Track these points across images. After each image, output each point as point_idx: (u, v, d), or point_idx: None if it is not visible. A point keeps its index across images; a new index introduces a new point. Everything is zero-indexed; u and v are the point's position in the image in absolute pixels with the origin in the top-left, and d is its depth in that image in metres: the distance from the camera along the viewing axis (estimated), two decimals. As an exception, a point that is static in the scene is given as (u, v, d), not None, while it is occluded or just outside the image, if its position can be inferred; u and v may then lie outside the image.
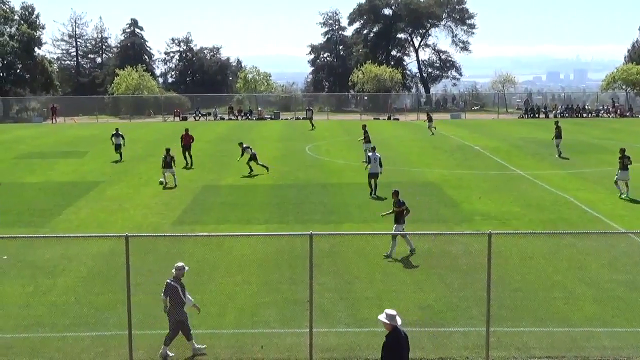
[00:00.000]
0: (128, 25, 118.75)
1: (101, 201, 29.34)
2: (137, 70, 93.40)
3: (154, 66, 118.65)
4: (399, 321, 10.82)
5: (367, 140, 40.64)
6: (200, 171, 37.10)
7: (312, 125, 64.23)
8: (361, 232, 21.75)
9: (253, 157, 36.28)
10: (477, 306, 15.91)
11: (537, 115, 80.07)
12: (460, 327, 15.14)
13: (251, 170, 35.86)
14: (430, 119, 59.38)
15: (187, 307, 13.87)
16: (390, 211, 20.78)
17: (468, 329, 14.95)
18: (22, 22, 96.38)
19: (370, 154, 30.52)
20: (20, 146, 50.55)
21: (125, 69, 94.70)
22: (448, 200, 28.81)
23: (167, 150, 33.51)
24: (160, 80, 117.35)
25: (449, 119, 77.74)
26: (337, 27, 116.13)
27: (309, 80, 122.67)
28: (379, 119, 79.35)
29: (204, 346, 14.03)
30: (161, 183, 32.70)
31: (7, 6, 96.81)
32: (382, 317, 10.84)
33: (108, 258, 19.89)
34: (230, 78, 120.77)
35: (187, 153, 39.57)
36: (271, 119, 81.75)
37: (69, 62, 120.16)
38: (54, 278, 18.64)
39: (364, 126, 43.54)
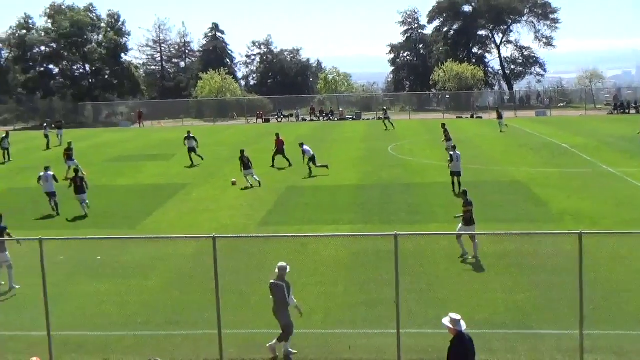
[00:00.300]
0: (210, 30, 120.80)
1: (188, 203, 29.94)
2: (219, 74, 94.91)
3: (235, 69, 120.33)
4: (463, 326, 10.74)
5: (447, 138, 40.99)
6: (284, 172, 37.43)
7: (387, 125, 63.66)
8: (447, 232, 21.53)
9: (312, 159, 36.39)
10: (569, 308, 15.48)
11: (627, 111, 77.52)
12: (552, 329, 14.81)
13: (310, 171, 36.01)
14: (500, 117, 58.84)
15: (290, 308, 13.96)
16: (461, 214, 20.53)
17: (560, 332, 14.61)
18: (109, 29, 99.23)
19: (451, 152, 30.68)
20: (110, 150, 51.98)
21: (208, 72, 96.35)
22: (536, 199, 28.25)
23: (242, 151, 34.17)
24: (242, 83, 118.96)
25: (534, 116, 76.23)
26: (416, 25, 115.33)
27: (389, 79, 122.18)
28: (461, 117, 78.36)
29: (295, 352, 14.06)
30: (234, 183, 33.64)
31: (94, 14, 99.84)
32: (446, 321, 10.82)
33: (197, 258, 20.25)
34: (311, 79, 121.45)
35: (283, 156, 39.86)
36: (352, 119, 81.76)
37: (154, 67, 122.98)
38: (146, 278, 19.13)
39: (444, 125, 43.52)
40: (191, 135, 42.73)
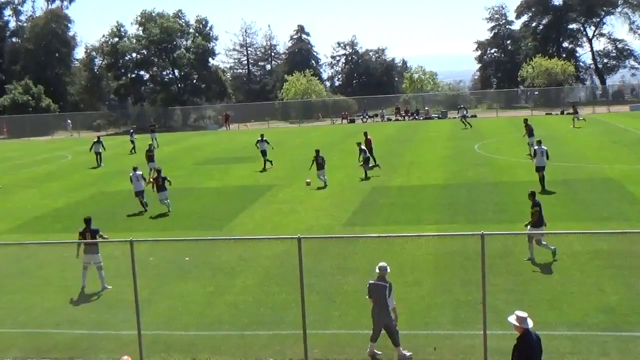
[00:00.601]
0: (295, 32, 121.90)
1: (274, 204, 30.22)
2: (305, 75, 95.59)
3: (321, 70, 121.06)
4: (529, 323, 10.56)
5: (530, 134, 40.32)
6: (369, 172, 37.29)
7: (466, 124, 62.83)
8: (535, 231, 21.01)
9: (366, 160, 36.24)
10: (665, 309, 14.96)
11: None
12: (647, 331, 14.30)
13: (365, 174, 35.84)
14: (576, 111, 58.57)
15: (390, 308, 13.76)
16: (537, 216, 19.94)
17: (656, 334, 14.08)
18: (197, 34, 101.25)
19: (536, 147, 30.66)
20: (198, 153, 53.01)
21: (293, 74, 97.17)
22: (630, 197, 27.28)
23: (317, 151, 34.68)
24: (328, 84, 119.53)
25: (629, 111, 73.76)
26: (503, 21, 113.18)
27: (476, 77, 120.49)
28: (550, 114, 76.52)
29: (409, 353, 13.83)
30: (308, 184, 33.91)
31: (183, 20, 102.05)
32: (512, 319, 10.66)
33: (282, 259, 20.40)
34: (396, 79, 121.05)
35: (370, 155, 39.46)
36: (438, 118, 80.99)
37: (240, 71, 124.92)
38: (233, 278, 19.40)
39: (526, 120, 42.89)
40: (264, 138, 42.44)
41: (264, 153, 41.89)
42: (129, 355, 12.14)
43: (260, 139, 42.66)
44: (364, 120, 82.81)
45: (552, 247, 19.44)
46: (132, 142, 56.44)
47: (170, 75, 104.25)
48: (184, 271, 20.28)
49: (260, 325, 15.84)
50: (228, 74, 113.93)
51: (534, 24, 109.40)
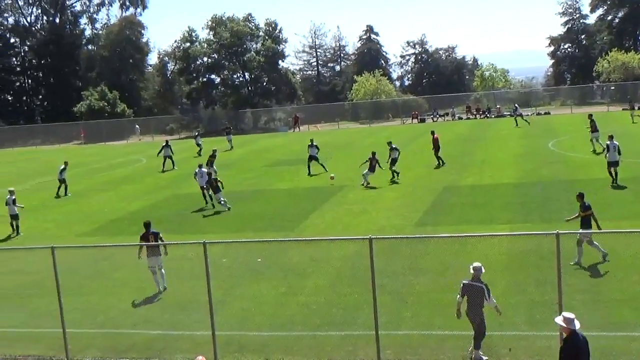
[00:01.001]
0: (364, 32, 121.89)
1: (345, 205, 30.22)
2: (374, 76, 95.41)
3: (390, 70, 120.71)
4: (577, 325, 10.34)
5: (593, 129, 40.08)
6: (440, 172, 37.04)
7: (519, 122, 62.07)
8: (611, 230, 20.49)
9: (392, 161, 36.18)
10: None
11: None
12: None
13: (393, 175, 35.76)
14: (633, 107, 58.34)
15: (489, 307, 13.58)
16: (576, 215, 19.59)
17: None
18: (266, 37, 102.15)
19: (608, 142, 30.35)
20: (269, 155, 53.43)
21: (362, 75, 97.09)
22: None
23: (374, 154, 35.19)
24: (397, 83, 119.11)
25: None
26: (577, 15, 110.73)
27: (549, 73, 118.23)
28: (627, 109, 74.38)
29: (486, 358, 13.67)
30: (332, 178, 35.91)
31: (253, 24, 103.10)
32: (559, 320, 10.44)
33: (353, 260, 20.39)
34: (467, 77, 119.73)
35: (435, 154, 39.82)
36: (510, 115, 79.63)
37: (310, 72, 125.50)
38: (304, 279, 19.48)
39: (590, 115, 42.51)
40: (314, 143, 41.34)
41: (312, 158, 40.63)
42: (203, 355, 12.29)
43: (310, 144, 41.37)
44: (435, 119, 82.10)
45: (604, 250, 18.92)
46: (199, 145, 57.79)
47: (241, 79, 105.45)
48: (257, 272, 20.47)
49: (332, 325, 15.86)
50: (298, 75, 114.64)
51: (609, 17, 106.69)
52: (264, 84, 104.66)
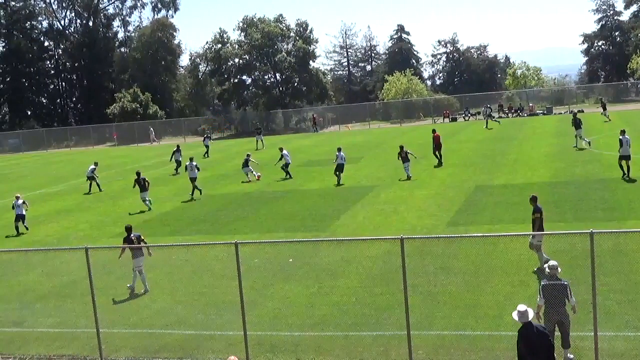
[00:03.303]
0: (395, 32, 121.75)
1: (376, 205, 30.14)
2: (405, 75, 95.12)
3: (421, 69, 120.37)
4: (530, 316, 11.18)
5: (577, 126, 43.00)
6: (472, 171, 36.80)
7: (490, 124, 63.99)
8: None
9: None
10: None
11: None
12: None
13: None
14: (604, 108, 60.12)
15: (569, 307, 13.16)
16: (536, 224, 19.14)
17: None
18: (297, 38, 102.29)
19: (621, 137, 31.34)
20: (300, 155, 53.44)
21: (393, 74, 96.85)
22: None
23: (401, 147, 36.92)
24: (429, 82, 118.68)
25: None
26: (611, 12, 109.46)
27: (582, 71, 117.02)
28: (663, 106, 73.41)
29: (572, 356, 13.32)
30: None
31: (284, 25, 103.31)
32: (514, 314, 11.36)
33: (385, 260, 20.34)
34: (499, 75, 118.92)
35: (437, 152, 40.91)
36: (543, 114, 78.98)
37: (341, 72, 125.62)
38: (336, 279, 19.46)
39: (574, 113, 46.05)
40: (341, 152, 38.64)
41: (339, 167, 38.24)
42: (235, 355, 12.34)
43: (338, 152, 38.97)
44: (466, 118, 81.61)
45: (546, 257, 18.62)
46: (207, 146, 59.44)
47: (272, 79, 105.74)
48: (288, 272, 20.49)
49: (363, 326, 15.83)
50: (328, 76, 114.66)
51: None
52: (295, 84, 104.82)
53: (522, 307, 11.31)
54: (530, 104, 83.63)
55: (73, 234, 29.51)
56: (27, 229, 31.27)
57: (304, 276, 20.03)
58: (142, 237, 20.64)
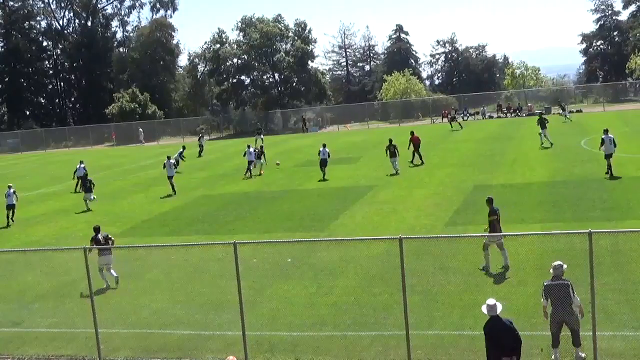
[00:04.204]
0: (393, 32, 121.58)
1: (375, 204, 30.15)
2: (404, 75, 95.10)
3: (420, 69, 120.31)
4: (498, 309, 11.59)
5: (542, 126, 45.51)
6: (471, 171, 36.82)
7: (454, 126, 65.35)
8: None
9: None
10: None
11: None
12: None
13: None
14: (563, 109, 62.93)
15: (574, 306, 13.09)
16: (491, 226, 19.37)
17: None
18: (296, 38, 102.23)
19: (604, 135, 32.52)
20: (298, 155, 53.49)
21: (392, 74, 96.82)
22: None
23: (390, 140, 38.66)
24: (427, 82, 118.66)
25: None
26: (610, 12, 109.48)
27: (581, 71, 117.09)
28: (661, 106, 73.39)
29: (584, 355, 13.31)
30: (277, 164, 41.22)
31: (282, 24, 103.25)
32: (483, 308, 11.73)
33: (383, 260, 20.33)
34: (497, 75, 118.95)
35: (416, 153, 41.64)
36: (542, 114, 78.90)
37: (339, 72, 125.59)
38: (334, 279, 19.46)
39: (541, 113, 46.93)
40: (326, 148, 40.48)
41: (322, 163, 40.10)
42: (234, 355, 12.35)
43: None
44: (465, 118, 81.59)
45: (488, 266, 19.00)
46: (201, 145, 60.76)
47: (271, 79, 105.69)
48: (287, 272, 20.50)
49: (362, 326, 15.83)
50: (327, 76, 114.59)
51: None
52: (294, 84, 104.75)
53: (491, 301, 11.62)
54: (529, 104, 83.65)
55: (71, 234, 29.50)
56: (13, 220, 33.06)
57: (303, 276, 20.03)
58: (110, 236, 21.31)
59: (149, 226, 29.98)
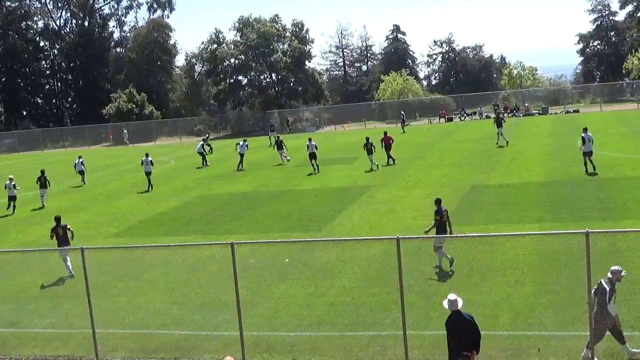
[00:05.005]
0: (391, 32, 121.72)
1: (372, 205, 30.15)
2: (401, 75, 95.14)
3: (417, 69, 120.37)
4: (459, 305, 11.73)
5: (498, 124, 47.39)
6: (468, 171, 36.84)
7: (405, 130, 66.50)
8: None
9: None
10: None
11: None
12: None
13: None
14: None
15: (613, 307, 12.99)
16: (434, 224, 19.59)
17: None
18: (293, 38, 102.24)
19: (583, 134, 33.29)
20: (296, 155, 53.36)
21: (389, 74, 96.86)
22: None
23: (367, 138, 40.93)
24: (424, 82, 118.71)
25: None
26: (607, 12, 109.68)
27: (578, 71, 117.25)
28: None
29: (635, 350, 13.17)
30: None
31: (279, 25, 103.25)
32: (445, 302, 11.94)
33: (381, 260, 20.34)
34: (495, 75, 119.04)
35: (388, 153, 42.86)
36: (539, 114, 79.11)
37: (337, 72, 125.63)
38: (332, 279, 19.45)
39: (497, 109, 45.66)
40: (313, 141, 43.17)
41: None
42: (231, 355, 12.34)
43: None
44: (462, 118, 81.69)
45: (450, 257, 19.17)
46: (205, 151, 60.26)
47: (268, 79, 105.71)
48: (284, 273, 20.49)
49: (360, 326, 15.83)
50: (324, 76, 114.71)
51: (639, 14, 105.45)
52: (291, 84, 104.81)
53: (452, 296, 11.83)
54: (526, 104, 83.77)
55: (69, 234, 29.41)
56: (14, 210, 35.70)
57: (300, 276, 20.03)
58: (69, 227, 22.71)
59: (146, 226, 29.96)
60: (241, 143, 47.93)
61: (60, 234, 22.19)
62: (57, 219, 22.53)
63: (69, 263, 21.71)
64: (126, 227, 30.20)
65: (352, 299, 17.69)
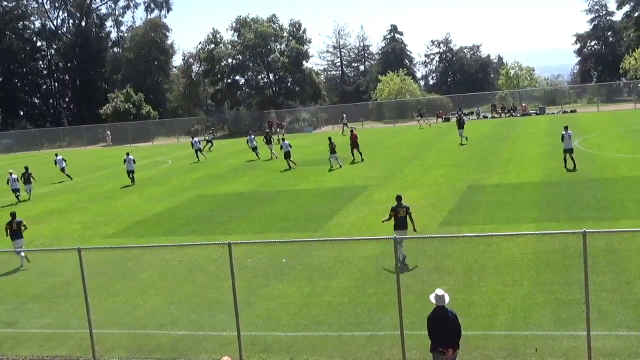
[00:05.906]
0: (388, 32, 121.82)
1: (369, 205, 30.13)
2: (398, 75, 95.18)
3: (414, 69, 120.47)
4: (446, 300, 11.83)
5: (459, 126, 51.71)
6: (465, 171, 36.85)
7: (345, 131, 68.26)
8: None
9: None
10: None
11: None
12: None
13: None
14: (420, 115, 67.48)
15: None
16: (388, 217, 20.25)
17: None
18: (290, 38, 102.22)
19: (563, 132, 35.03)
20: (293, 155, 53.32)
21: (387, 74, 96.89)
22: None
23: (330, 138, 43.75)
24: (422, 83, 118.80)
25: None
26: (604, 12, 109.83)
27: (575, 71, 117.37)
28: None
29: None
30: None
31: (277, 24, 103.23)
32: (431, 297, 11.97)
33: (378, 260, 20.33)
34: (492, 75, 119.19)
35: (355, 150, 45.34)
36: (536, 114, 79.18)
37: (334, 72, 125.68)
38: (329, 279, 19.45)
39: (459, 114, 48.75)
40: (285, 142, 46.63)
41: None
42: (229, 355, 12.32)
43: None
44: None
45: (402, 255, 19.45)
46: (211, 141, 63.54)
47: (265, 79, 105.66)
48: (281, 273, 20.47)
49: (357, 326, 15.82)
50: (322, 76, 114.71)
51: (636, 14, 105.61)
52: (288, 84, 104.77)
53: (440, 291, 11.91)
54: (523, 104, 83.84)
55: (66, 235, 29.44)
56: (18, 201, 39.46)
57: (298, 276, 20.01)
58: (23, 223, 24.19)
59: (143, 226, 29.93)
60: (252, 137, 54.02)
61: (14, 229, 23.75)
62: (13, 215, 24.19)
63: (22, 254, 23.24)
64: (123, 227, 30.17)
65: (349, 299, 17.67)
